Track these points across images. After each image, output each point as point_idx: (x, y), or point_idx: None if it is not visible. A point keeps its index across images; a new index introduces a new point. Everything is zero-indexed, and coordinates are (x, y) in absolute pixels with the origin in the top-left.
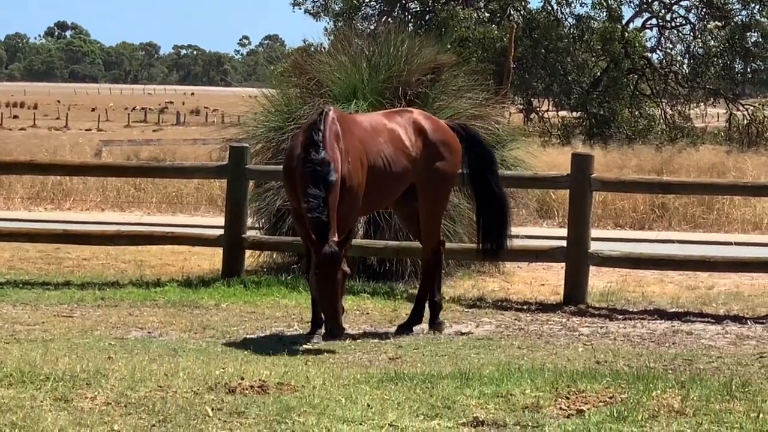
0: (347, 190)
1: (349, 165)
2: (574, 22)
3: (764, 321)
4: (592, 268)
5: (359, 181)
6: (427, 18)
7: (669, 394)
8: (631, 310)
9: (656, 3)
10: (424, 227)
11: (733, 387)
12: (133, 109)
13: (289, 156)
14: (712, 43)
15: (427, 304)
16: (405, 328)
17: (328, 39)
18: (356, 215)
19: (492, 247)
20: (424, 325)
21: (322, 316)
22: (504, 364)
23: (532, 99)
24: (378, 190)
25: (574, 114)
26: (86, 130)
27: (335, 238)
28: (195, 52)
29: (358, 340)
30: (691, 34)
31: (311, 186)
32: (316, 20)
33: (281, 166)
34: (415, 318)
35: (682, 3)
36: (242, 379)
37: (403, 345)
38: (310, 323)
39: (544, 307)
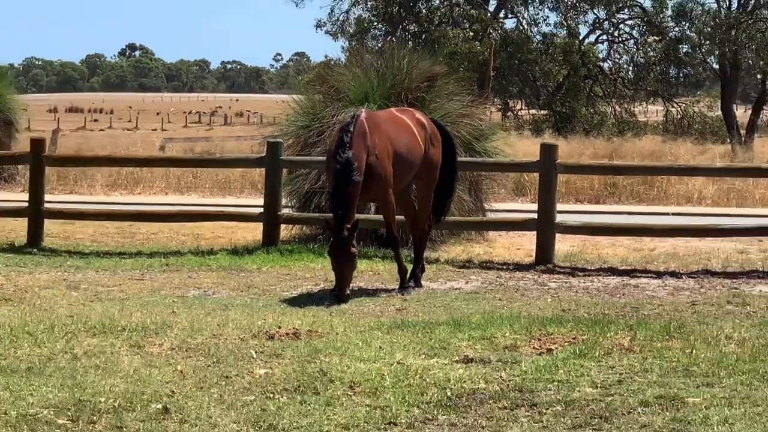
0: (377, 175)
1: (375, 157)
2: (541, 38)
3: (696, 276)
4: (558, 235)
5: (386, 169)
6: (423, 37)
7: (620, 335)
8: (589, 268)
9: (606, 22)
10: (423, 204)
11: (672, 329)
12: (190, 112)
13: (328, 150)
14: (651, 53)
15: (398, 269)
16: (413, 284)
17: (345, 55)
18: (391, 193)
19: (443, 218)
20: (427, 282)
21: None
22: (488, 313)
23: (509, 100)
24: (401, 175)
25: (542, 112)
26: (152, 130)
27: (348, 225)
28: (238, 67)
29: (372, 296)
30: (635, 46)
31: (336, 184)
32: (335, 40)
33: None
34: (418, 274)
35: (627, 22)
36: (279, 327)
37: (407, 299)
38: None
39: (520, 267)
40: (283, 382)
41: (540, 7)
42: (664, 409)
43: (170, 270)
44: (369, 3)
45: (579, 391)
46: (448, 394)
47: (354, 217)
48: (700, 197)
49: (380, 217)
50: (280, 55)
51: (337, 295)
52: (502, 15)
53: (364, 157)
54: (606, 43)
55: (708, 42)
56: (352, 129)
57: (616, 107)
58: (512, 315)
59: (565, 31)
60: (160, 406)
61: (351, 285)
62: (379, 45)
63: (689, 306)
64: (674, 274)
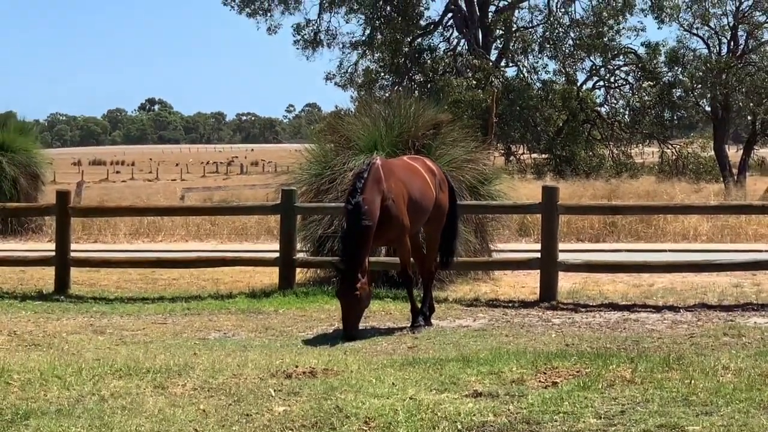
0: (394, 218)
1: (392, 201)
2: (540, 85)
3: (693, 309)
4: (561, 273)
5: (402, 212)
6: (428, 86)
7: (622, 368)
8: (591, 304)
9: (602, 69)
10: (431, 245)
11: (671, 360)
12: (207, 163)
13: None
14: (646, 98)
15: (411, 308)
16: (423, 322)
17: (354, 105)
18: (407, 235)
19: (451, 260)
20: (436, 320)
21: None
22: (495, 349)
23: (511, 145)
24: (415, 219)
25: (543, 156)
26: (172, 180)
27: (356, 268)
28: (253, 118)
29: (384, 334)
30: (630, 91)
31: (346, 228)
32: (344, 90)
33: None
34: (426, 313)
35: (622, 68)
36: (296, 366)
37: (418, 336)
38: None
39: (525, 304)
40: (301, 419)
41: (539, 56)
42: None
43: (191, 314)
44: (376, 55)
45: (584, 421)
46: (459, 427)
47: (364, 259)
48: (696, 234)
49: (391, 259)
50: (292, 106)
51: (343, 333)
52: (503, 64)
53: (377, 202)
54: (603, 89)
55: (700, 86)
56: (366, 176)
57: (614, 150)
58: (518, 350)
59: (563, 78)
60: None
61: (364, 324)
62: (387, 95)
63: (687, 338)
64: (672, 308)
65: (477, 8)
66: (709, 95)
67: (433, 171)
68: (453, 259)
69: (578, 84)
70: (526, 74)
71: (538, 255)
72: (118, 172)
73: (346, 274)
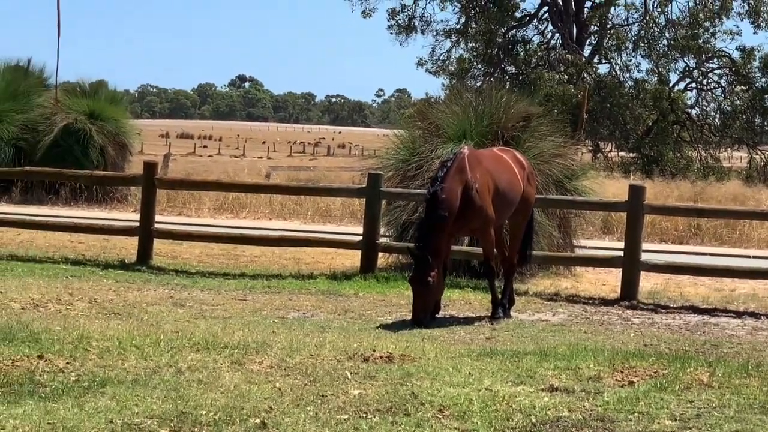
0: (477, 208)
1: (476, 191)
2: (632, 84)
3: None
4: (642, 273)
5: (486, 202)
6: (520, 78)
7: (700, 371)
8: (671, 306)
9: (695, 71)
10: (515, 238)
11: (750, 367)
12: (295, 142)
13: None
14: (738, 102)
15: (492, 299)
16: (502, 314)
17: (445, 93)
18: (491, 226)
19: (529, 254)
20: (516, 313)
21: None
22: (573, 345)
23: (599, 142)
24: (501, 211)
25: (631, 154)
26: (258, 157)
27: (430, 256)
28: (342, 100)
29: (463, 324)
30: (722, 95)
31: (423, 216)
32: (436, 77)
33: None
34: (506, 304)
35: (716, 71)
36: (374, 351)
37: (497, 328)
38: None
39: (605, 302)
40: (375, 403)
41: (633, 54)
42: None
43: (271, 292)
44: (469, 44)
45: (658, 423)
46: (533, 420)
47: (439, 248)
48: None
49: (474, 249)
50: (382, 90)
51: (412, 319)
52: (596, 60)
53: (458, 191)
54: (695, 91)
55: None
56: (450, 165)
57: (702, 152)
58: (596, 347)
59: (655, 78)
60: (258, 420)
61: (444, 313)
62: (478, 84)
63: (767, 346)
64: (753, 315)
65: (573, 3)
66: None
67: (522, 164)
68: (530, 252)
69: (670, 84)
70: (618, 72)
71: (621, 253)
72: (205, 147)
73: (420, 261)
